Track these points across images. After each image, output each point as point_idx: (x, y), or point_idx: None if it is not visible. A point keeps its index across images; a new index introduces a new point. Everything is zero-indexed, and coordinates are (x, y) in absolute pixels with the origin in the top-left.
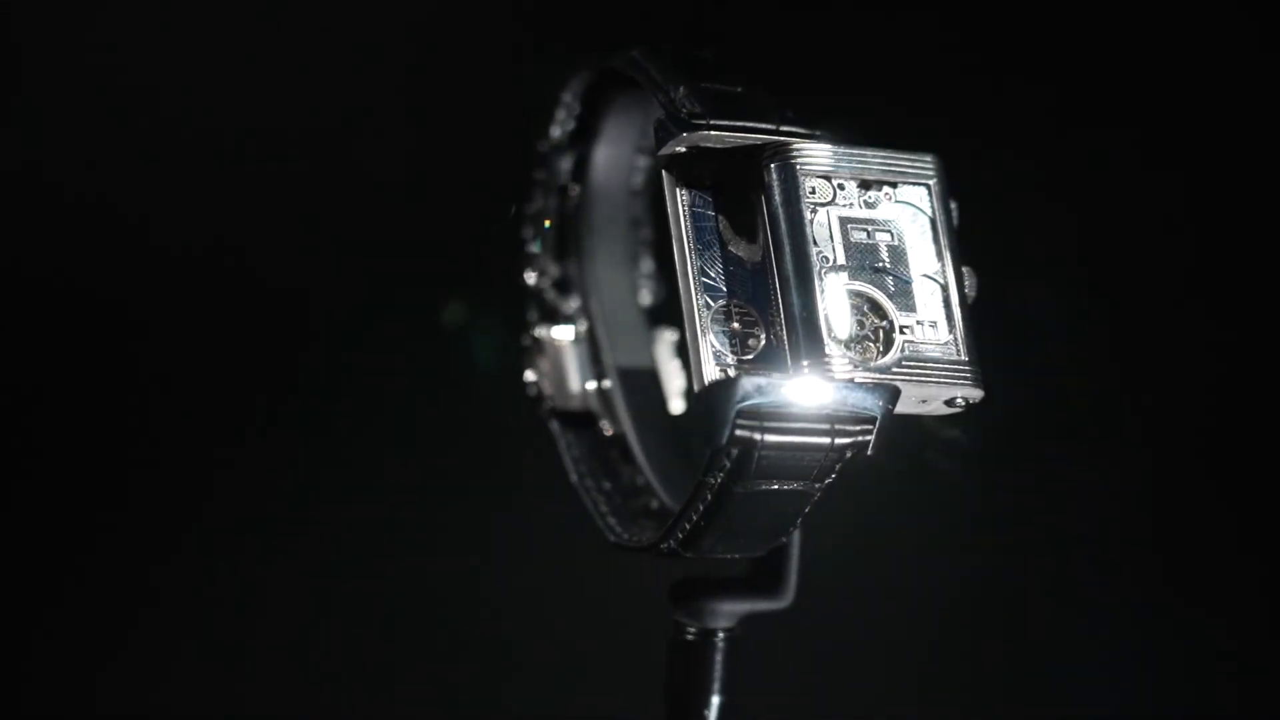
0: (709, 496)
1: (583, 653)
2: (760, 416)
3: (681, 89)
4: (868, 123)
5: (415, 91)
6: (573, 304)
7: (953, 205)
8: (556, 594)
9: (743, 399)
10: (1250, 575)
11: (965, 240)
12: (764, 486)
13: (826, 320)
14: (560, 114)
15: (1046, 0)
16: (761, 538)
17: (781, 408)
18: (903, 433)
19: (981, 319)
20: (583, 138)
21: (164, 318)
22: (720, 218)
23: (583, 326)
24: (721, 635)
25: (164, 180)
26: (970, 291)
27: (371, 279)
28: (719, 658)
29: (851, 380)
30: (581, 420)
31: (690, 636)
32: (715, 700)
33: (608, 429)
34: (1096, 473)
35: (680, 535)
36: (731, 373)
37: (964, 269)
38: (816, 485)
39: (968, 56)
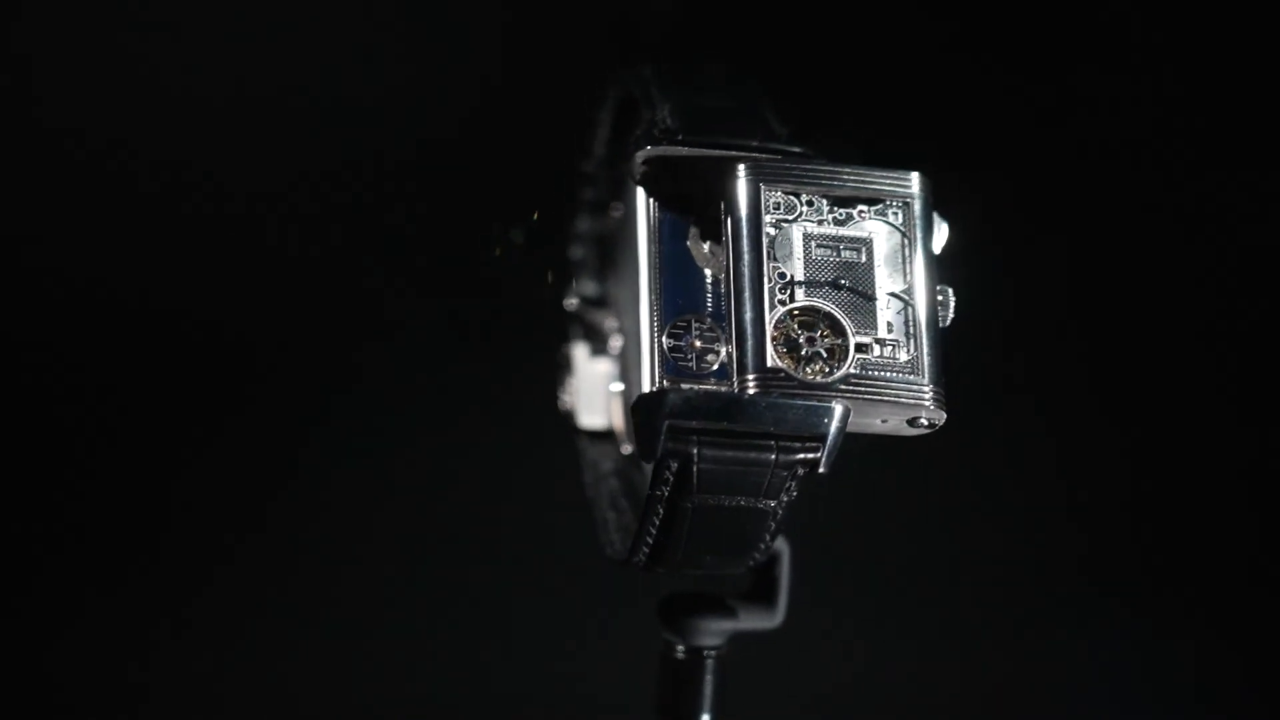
0: (660, 510)
1: (576, 669)
2: (693, 430)
3: (669, 105)
4: (887, 143)
5: (450, 100)
6: (610, 321)
7: (942, 225)
8: (553, 607)
9: (671, 412)
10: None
11: (957, 261)
12: (713, 501)
13: (773, 335)
14: (599, 132)
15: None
16: (729, 554)
17: (716, 422)
18: (899, 453)
19: (976, 338)
20: (621, 156)
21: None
22: (693, 231)
23: (617, 343)
24: (710, 654)
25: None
26: (946, 312)
27: (391, 286)
28: (708, 677)
29: (794, 396)
30: (606, 437)
31: (679, 655)
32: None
33: (628, 447)
34: (1092, 490)
35: (646, 550)
36: (683, 386)
37: (942, 289)
38: (770, 502)
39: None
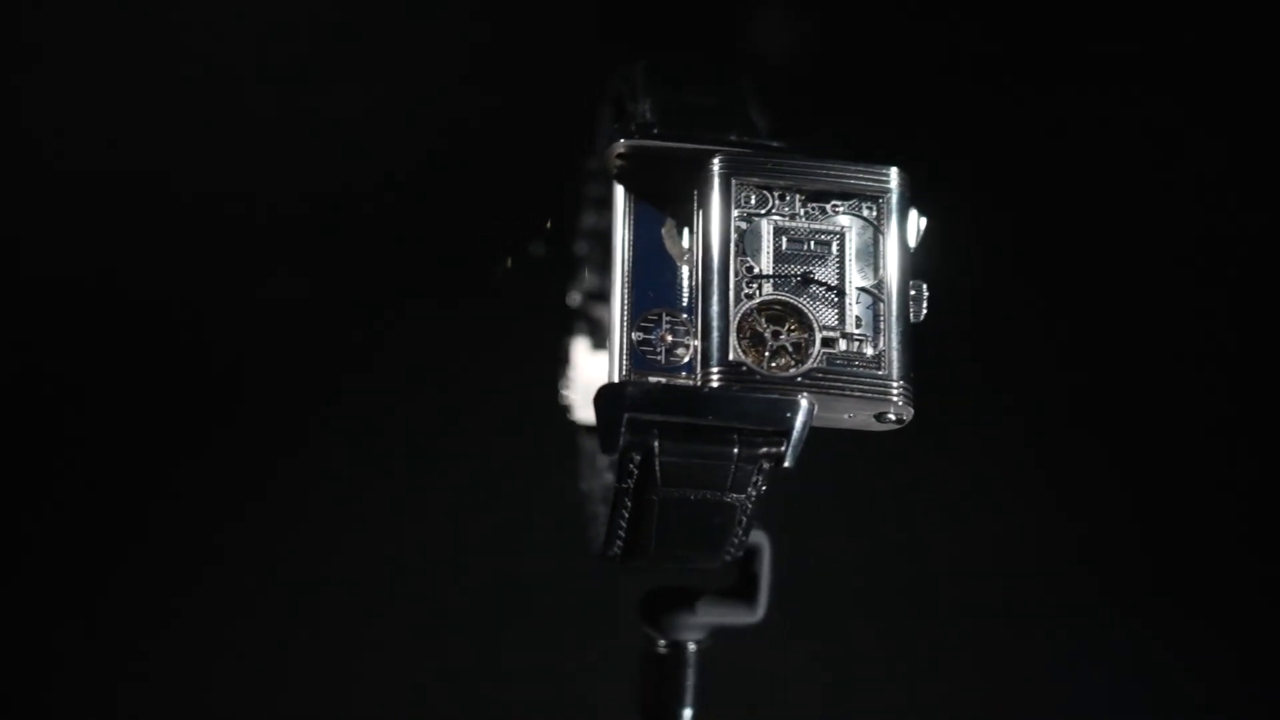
0: (628, 503)
1: (563, 663)
2: (654, 424)
3: (650, 100)
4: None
5: (462, 100)
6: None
7: (919, 221)
8: (541, 602)
9: (630, 405)
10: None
11: (940, 256)
12: (679, 495)
13: (738, 328)
14: (600, 128)
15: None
16: (702, 547)
17: (676, 416)
18: (886, 448)
19: (963, 333)
20: None
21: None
22: (667, 225)
23: None
24: (692, 648)
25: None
26: (919, 307)
27: (397, 288)
28: (689, 671)
29: (757, 390)
30: None
31: (661, 649)
32: (686, 714)
33: None
34: (1076, 486)
35: (619, 543)
36: (651, 380)
37: (916, 284)
38: (738, 496)
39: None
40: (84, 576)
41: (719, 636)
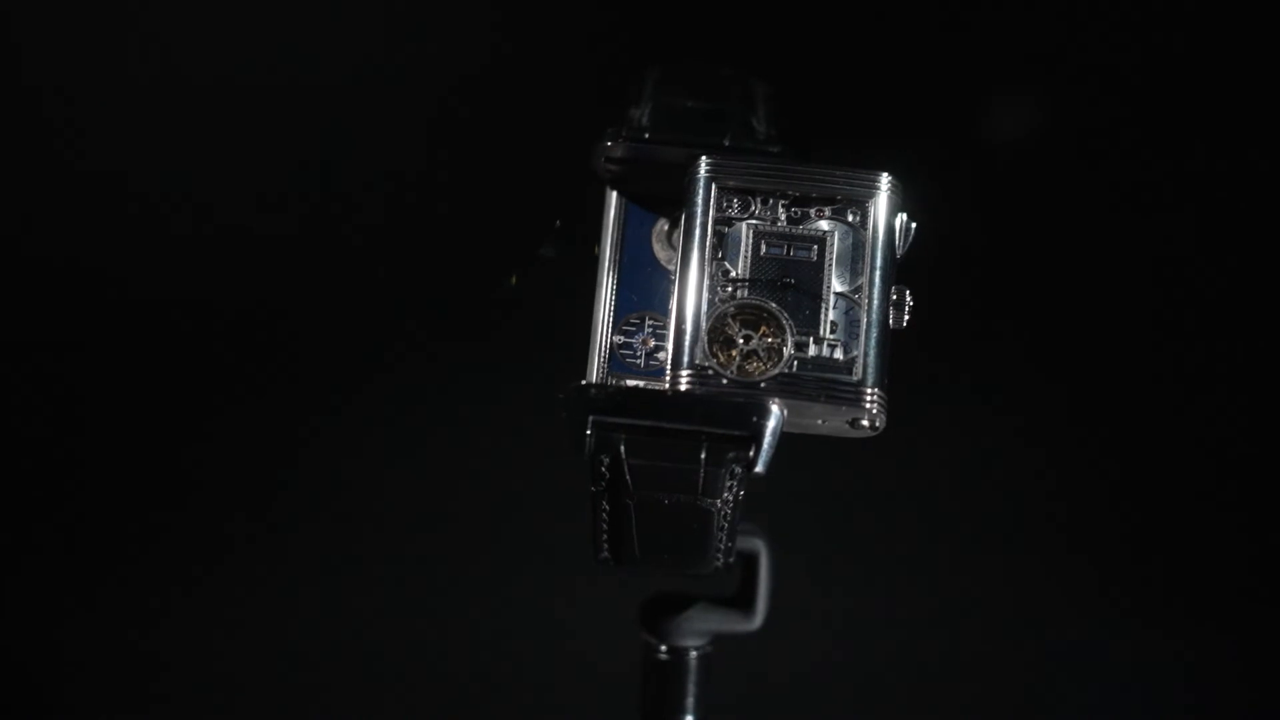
0: (606, 506)
1: (563, 669)
2: (620, 427)
3: (650, 105)
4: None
5: (474, 101)
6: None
7: (909, 225)
8: (540, 608)
9: (595, 408)
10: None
11: (940, 263)
12: (653, 498)
13: (710, 332)
14: None
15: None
16: (686, 552)
17: (642, 419)
18: (887, 456)
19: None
20: None
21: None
22: (656, 228)
23: None
24: (693, 655)
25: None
26: (901, 314)
27: (410, 290)
28: (689, 677)
29: (726, 393)
30: None
31: (661, 656)
32: None
33: None
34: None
35: (605, 547)
36: (628, 383)
37: (899, 289)
38: (714, 501)
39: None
40: (83, 576)
41: (719, 643)
